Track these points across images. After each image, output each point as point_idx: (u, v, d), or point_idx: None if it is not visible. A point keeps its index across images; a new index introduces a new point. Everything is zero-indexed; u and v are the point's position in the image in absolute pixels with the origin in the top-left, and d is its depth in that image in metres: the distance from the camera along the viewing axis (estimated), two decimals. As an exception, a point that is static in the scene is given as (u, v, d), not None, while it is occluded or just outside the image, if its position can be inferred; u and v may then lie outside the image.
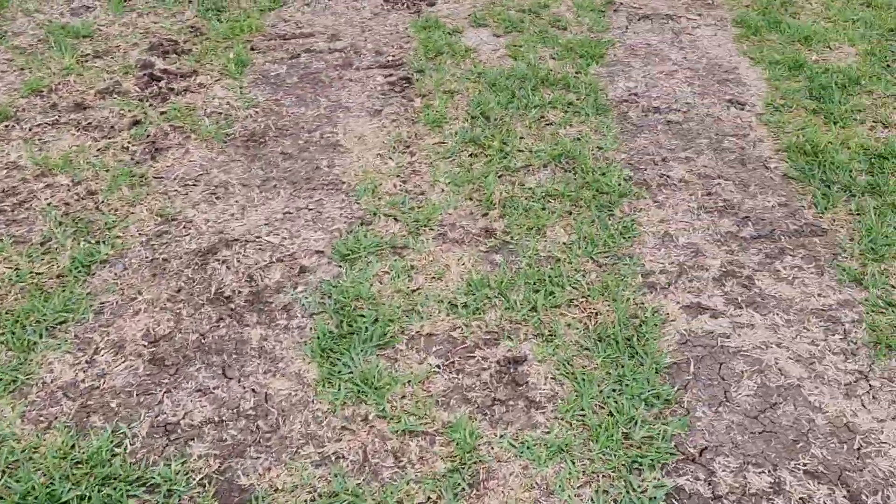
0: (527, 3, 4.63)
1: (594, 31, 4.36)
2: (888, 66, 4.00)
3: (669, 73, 3.95)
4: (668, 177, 3.14)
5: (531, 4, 4.61)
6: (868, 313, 2.48)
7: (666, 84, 3.85)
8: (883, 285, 2.58)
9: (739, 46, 4.25)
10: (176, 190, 2.96)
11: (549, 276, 2.57)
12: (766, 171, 3.21)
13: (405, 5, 4.54)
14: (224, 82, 3.69)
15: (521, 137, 3.35)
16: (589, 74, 3.88)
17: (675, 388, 2.19)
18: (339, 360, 2.22)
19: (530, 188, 3.03)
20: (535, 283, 2.54)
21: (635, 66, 4.02)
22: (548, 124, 3.46)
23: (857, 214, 2.93)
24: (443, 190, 3.01)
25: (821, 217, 2.94)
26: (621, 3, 4.73)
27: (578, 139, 3.36)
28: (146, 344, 2.26)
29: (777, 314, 2.47)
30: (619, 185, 3.06)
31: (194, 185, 3.00)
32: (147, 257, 2.60)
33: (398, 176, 3.09)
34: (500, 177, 3.09)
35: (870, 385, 2.22)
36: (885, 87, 3.78)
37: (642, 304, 2.50)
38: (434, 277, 2.57)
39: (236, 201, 2.92)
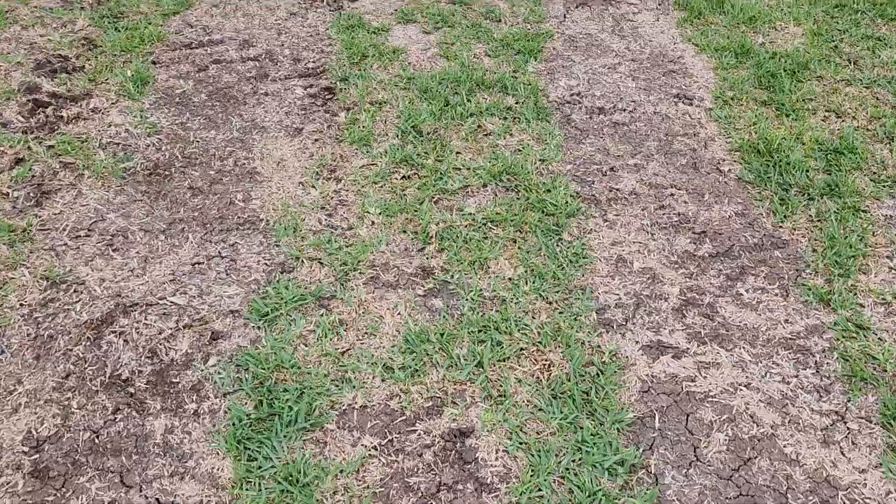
0: (457, -6, 4.30)
1: (530, 21, 4.06)
2: (835, 46, 3.82)
3: (612, 67, 3.69)
4: (617, 190, 2.90)
5: (461, -6, 4.29)
6: (839, 339, 2.29)
7: (609, 80, 3.59)
8: (851, 305, 2.39)
9: (683, 32, 4.01)
10: (65, 244, 2.58)
11: (495, 323, 2.30)
12: (720, 176, 3.00)
13: (325, 2, 4.15)
14: (122, 105, 3.28)
15: (457, 153, 3.05)
16: (527, 73, 3.59)
17: (641, 450, 1.97)
18: (258, 451, 1.93)
19: (470, 213, 2.75)
20: (479, 332, 2.28)
21: (576, 60, 3.75)
22: (486, 135, 3.17)
23: (818, 221, 2.75)
24: (373, 223, 2.71)
25: (780, 227, 2.74)
26: (557, -12, 4.43)
27: (519, 151, 3.08)
28: (27, 450, 1.92)
29: (743, 348, 2.27)
30: (566, 203, 2.80)
31: (87, 235, 2.62)
32: (30, 335, 2.24)
33: (323, 208, 2.77)
34: (435, 202, 2.80)
35: (848, 428, 2.04)
36: (835, 70, 3.60)
37: (598, 347, 2.26)
38: (366, 333, 2.28)
39: (137, 252, 2.56)
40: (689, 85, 3.56)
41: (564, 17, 4.12)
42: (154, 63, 3.57)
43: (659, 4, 4.20)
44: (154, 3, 4.08)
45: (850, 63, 3.67)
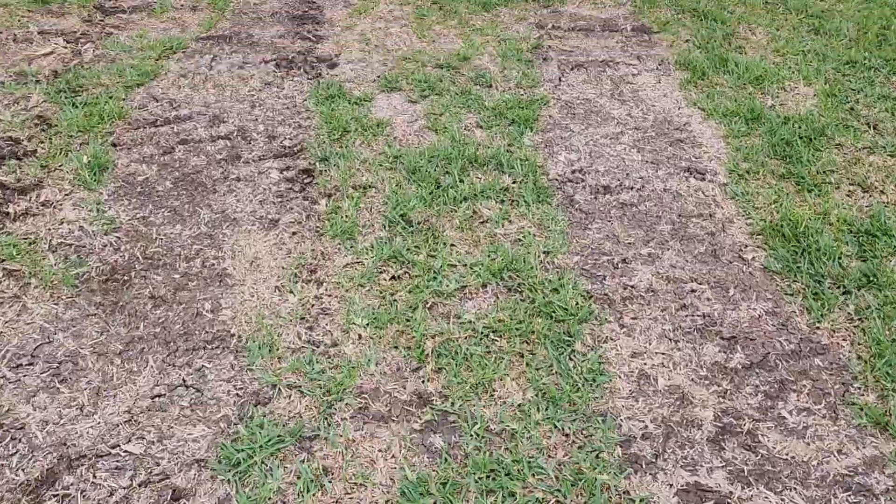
0: (443, 57, 4.03)
1: (523, 86, 3.80)
2: (851, 108, 3.59)
3: (614, 137, 3.42)
4: (632, 287, 2.60)
5: (449, 57, 4.02)
6: (903, 475, 1.99)
7: (612, 152, 3.32)
8: (912, 430, 2.10)
9: (687, 95, 3.76)
10: (4, 376, 2.23)
11: (505, 466, 1.98)
12: (744, 266, 2.71)
13: (302, 69, 3.87)
14: (76, 197, 2.95)
15: (451, 245, 2.75)
16: (523, 147, 3.31)
17: None
18: None
19: (469, 321, 2.43)
20: (488, 479, 1.95)
21: (575, 129, 3.48)
22: (482, 222, 2.87)
23: (859, 320, 2.46)
24: (360, 336, 2.38)
25: (818, 328, 2.45)
26: (549, 48, 4.18)
27: (520, 241, 2.78)
28: None
29: (795, 489, 1.95)
30: (577, 304, 2.49)
31: (31, 363, 2.27)
32: (-47, 504, 1.88)
33: (302, 319, 2.45)
34: (430, 308, 2.49)
35: None
36: (855, 137, 3.36)
37: (627, 493, 1.93)
38: (356, 483, 1.94)
39: (88, 383, 2.21)
40: (699, 156, 3.30)
41: (560, 80, 3.86)
42: (114, 145, 3.25)
43: (659, 65, 3.96)
44: (116, 73, 3.77)
45: (869, 128, 3.43)
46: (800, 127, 3.42)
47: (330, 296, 2.54)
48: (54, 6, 4.49)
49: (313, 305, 2.50)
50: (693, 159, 3.28)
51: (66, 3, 4.54)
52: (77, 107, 3.50)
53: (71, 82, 3.69)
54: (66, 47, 4.05)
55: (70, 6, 4.51)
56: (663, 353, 2.35)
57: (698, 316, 2.49)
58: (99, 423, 2.09)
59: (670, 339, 2.40)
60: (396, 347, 2.34)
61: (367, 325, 2.41)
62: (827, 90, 3.71)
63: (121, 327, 2.41)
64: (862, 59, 3.98)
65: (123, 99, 3.58)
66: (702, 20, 4.49)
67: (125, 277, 2.61)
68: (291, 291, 2.55)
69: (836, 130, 3.40)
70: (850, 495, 1.94)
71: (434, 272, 2.62)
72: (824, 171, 3.15)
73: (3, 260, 2.63)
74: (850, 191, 3.06)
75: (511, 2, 4.74)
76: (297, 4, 4.71)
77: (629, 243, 2.80)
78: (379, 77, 3.83)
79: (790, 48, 4.12)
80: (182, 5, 4.61)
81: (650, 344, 2.38)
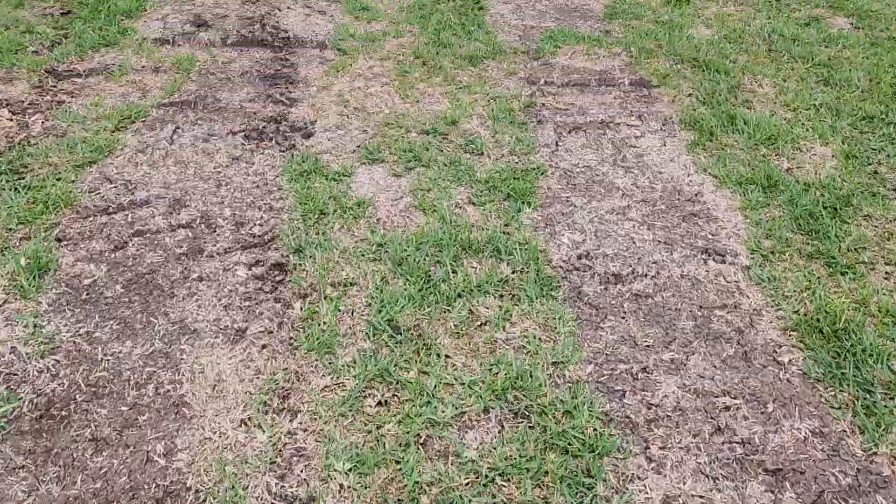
0: (429, 120, 3.69)
1: (517, 153, 3.47)
2: (875, 172, 3.29)
3: (621, 212, 3.09)
4: (657, 406, 2.25)
5: (435, 121, 3.68)
6: None
7: (620, 231, 2.98)
8: None
9: (696, 159, 3.45)
10: None
11: None
12: (780, 371, 2.38)
13: (274, 140, 3.51)
14: (10, 308, 2.56)
15: (445, 356, 2.39)
16: (522, 226, 2.97)
17: None
18: None
19: (471, 461, 2.06)
20: None
21: (577, 203, 3.15)
22: (480, 325, 2.52)
23: (921, 442, 2.13)
24: (342, 486, 2.00)
25: (874, 453, 2.11)
26: (543, 106, 3.86)
27: (524, 348, 2.42)
28: None
29: None
30: (595, 432, 2.14)
31: (-60, 541, 1.88)
32: None
33: (273, 464, 2.07)
34: (423, 444, 2.12)
35: None
36: (884, 207, 3.05)
37: None
38: None
39: (10, 566, 1.82)
40: (716, 233, 2.97)
41: (556, 144, 3.54)
42: (59, 240, 2.87)
43: (663, 125, 3.65)
44: (67, 150, 3.40)
45: (897, 194, 3.14)
46: (822, 195, 3.11)
47: (306, 430, 2.16)
48: (1, 71, 4.12)
49: (286, 444, 2.12)
50: (710, 237, 2.95)
51: (14, 66, 4.18)
52: (20, 192, 3.11)
53: (14, 162, 3.31)
54: (11, 119, 3.67)
55: (19, 70, 4.14)
56: (701, 497, 1.99)
57: (736, 442, 2.14)
58: None
59: (707, 476, 2.05)
60: (386, 502, 1.97)
61: (350, 470, 2.04)
62: (846, 150, 3.42)
63: (53, 484, 2.01)
64: (879, 113, 3.69)
65: (73, 181, 3.20)
66: (703, 71, 4.20)
67: (63, 413, 2.21)
68: (260, 426, 2.17)
69: (862, 199, 3.10)
70: None
71: (427, 395, 2.25)
72: (856, 249, 2.84)
73: (-81, 395, 2.24)
74: (887, 272, 2.74)
75: (499, 55, 4.43)
76: (269, 62, 4.38)
77: (648, 346, 2.46)
78: (359, 147, 3.48)
79: (801, 102, 3.83)
80: (143, 66, 4.25)
81: (685, 483, 2.02)
